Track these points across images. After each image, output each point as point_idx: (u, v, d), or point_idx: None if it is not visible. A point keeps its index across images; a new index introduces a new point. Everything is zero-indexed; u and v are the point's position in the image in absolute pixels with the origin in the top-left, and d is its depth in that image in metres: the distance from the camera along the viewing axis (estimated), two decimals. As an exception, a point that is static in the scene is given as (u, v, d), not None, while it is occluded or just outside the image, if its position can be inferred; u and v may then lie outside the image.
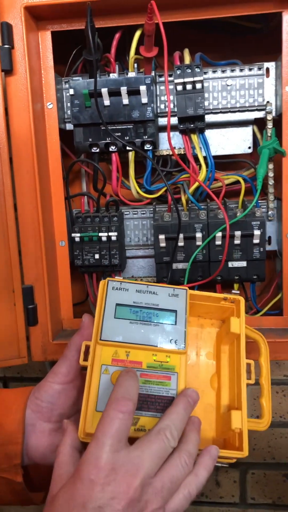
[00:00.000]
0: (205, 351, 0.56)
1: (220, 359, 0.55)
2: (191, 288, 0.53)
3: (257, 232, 0.67)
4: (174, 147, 0.72)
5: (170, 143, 0.63)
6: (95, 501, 0.37)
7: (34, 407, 0.52)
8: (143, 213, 0.75)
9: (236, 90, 0.70)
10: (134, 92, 0.66)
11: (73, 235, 0.71)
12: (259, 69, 0.69)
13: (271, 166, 0.69)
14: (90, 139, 0.69)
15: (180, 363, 0.48)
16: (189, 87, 0.66)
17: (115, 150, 0.69)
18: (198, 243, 0.68)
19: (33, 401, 0.52)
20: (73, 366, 0.51)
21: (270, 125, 0.68)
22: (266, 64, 0.69)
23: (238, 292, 0.55)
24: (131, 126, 0.68)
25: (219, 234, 0.67)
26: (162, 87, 0.70)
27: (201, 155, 0.69)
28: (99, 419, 0.41)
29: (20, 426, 0.52)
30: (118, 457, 0.39)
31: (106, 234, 0.70)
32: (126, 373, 0.44)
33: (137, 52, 0.65)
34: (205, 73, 0.69)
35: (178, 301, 0.51)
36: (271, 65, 0.69)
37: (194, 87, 0.66)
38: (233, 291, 0.55)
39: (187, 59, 0.67)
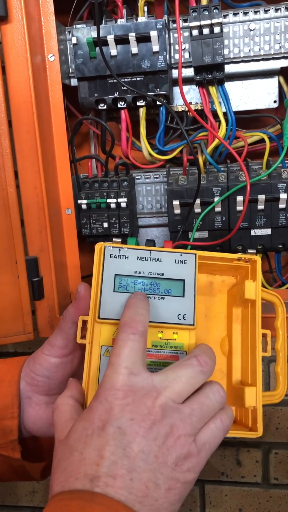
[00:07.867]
0: (215, 311, 0.50)
1: (232, 322, 0.49)
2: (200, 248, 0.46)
3: (283, 196, 0.61)
4: (191, 102, 0.65)
5: (183, 95, 0.56)
6: (114, 421, 0.35)
7: (29, 380, 0.49)
8: (156, 177, 0.69)
9: (260, 36, 0.62)
10: (144, 39, 0.59)
11: (79, 202, 0.66)
12: (287, 9, 0.60)
13: (299, 121, 0.62)
14: (96, 94, 0.63)
15: (189, 341, 0.43)
16: (206, 31, 0.58)
17: (124, 106, 0.63)
18: (217, 209, 0.62)
19: (28, 374, 0.49)
20: (70, 339, 0.47)
21: (299, 74, 0.61)
22: (295, 3, 0.60)
23: (254, 251, 0.48)
24: (141, 78, 0.61)
25: (240, 198, 0.61)
26: (177, 35, 0.62)
27: (220, 110, 0.62)
28: None
29: (14, 399, 0.49)
30: (136, 379, 0.37)
31: (115, 200, 0.65)
32: (134, 295, 0.41)
33: (147, -7, 0.58)
34: (225, 16, 0.61)
35: (186, 269, 0.44)
36: (301, 4, 0.60)
37: (212, 31, 0.58)
38: (248, 250, 0.48)
39: (204, 0, 0.59)
